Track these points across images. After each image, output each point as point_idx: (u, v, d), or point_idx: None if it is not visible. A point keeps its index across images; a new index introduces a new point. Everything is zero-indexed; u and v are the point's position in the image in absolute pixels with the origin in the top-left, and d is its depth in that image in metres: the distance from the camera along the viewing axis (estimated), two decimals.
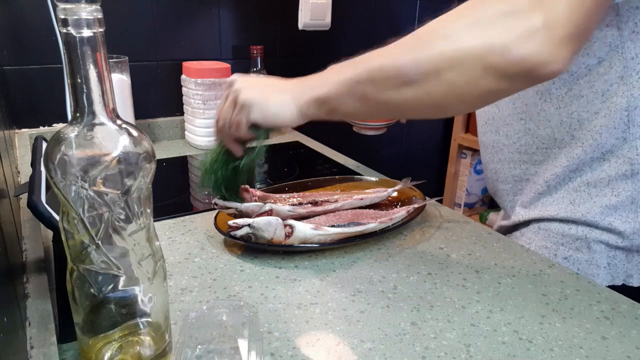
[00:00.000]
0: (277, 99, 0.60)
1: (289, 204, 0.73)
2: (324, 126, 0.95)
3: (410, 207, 0.75)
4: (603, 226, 0.67)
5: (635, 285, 0.68)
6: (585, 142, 0.66)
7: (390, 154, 1.68)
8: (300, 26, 1.28)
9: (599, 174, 0.67)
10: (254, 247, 0.66)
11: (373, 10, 1.45)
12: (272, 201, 0.73)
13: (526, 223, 0.76)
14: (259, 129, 0.61)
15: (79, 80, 0.32)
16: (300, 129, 1.35)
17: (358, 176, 0.91)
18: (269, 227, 0.63)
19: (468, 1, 0.49)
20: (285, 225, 0.64)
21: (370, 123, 0.90)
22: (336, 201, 0.76)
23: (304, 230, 0.64)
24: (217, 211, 0.71)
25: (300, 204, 0.74)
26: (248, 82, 0.62)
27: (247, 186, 0.74)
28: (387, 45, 0.53)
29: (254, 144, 0.65)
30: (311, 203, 0.75)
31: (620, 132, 0.64)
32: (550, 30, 0.43)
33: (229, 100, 0.62)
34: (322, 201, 0.76)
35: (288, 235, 0.64)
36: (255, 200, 0.72)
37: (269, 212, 0.68)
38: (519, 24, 0.44)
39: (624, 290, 0.59)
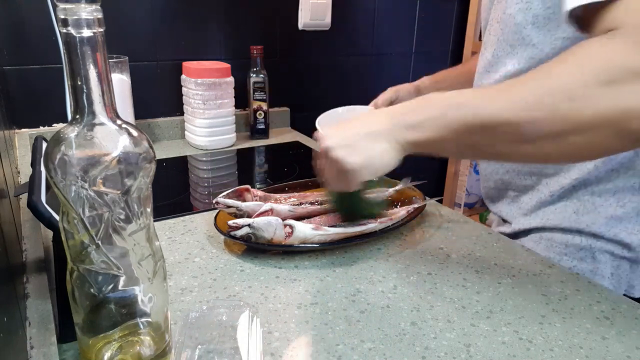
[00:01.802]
0: (379, 152, 0.54)
1: (289, 204, 0.73)
2: None
3: (410, 207, 0.75)
4: (608, 237, 0.66)
5: (637, 296, 0.67)
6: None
7: None
8: (300, 26, 1.28)
9: (605, 184, 0.66)
10: (254, 247, 0.66)
11: (373, 10, 1.45)
12: (272, 201, 0.73)
13: (526, 232, 0.75)
14: (370, 181, 0.61)
15: (79, 81, 0.32)
16: (300, 129, 1.35)
17: None
18: (269, 227, 0.63)
19: (582, 50, 0.44)
20: (285, 226, 0.64)
21: None
22: None
23: (304, 230, 0.64)
24: (217, 211, 0.71)
25: (300, 204, 0.74)
26: (341, 142, 0.55)
27: (247, 186, 0.74)
28: (499, 88, 0.49)
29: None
30: (311, 203, 0.75)
31: None
32: None
33: (331, 168, 0.57)
34: (322, 201, 0.76)
35: (288, 235, 0.64)
36: (256, 200, 0.72)
37: (269, 212, 0.68)
38: None
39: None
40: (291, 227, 0.64)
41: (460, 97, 0.50)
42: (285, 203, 0.74)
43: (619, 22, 0.44)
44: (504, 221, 0.81)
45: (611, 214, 0.66)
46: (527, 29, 0.64)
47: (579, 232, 0.68)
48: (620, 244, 0.66)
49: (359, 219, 0.69)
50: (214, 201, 0.70)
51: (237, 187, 0.73)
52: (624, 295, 0.67)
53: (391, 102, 0.89)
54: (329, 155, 0.56)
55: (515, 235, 0.77)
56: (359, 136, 0.55)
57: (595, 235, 0.67)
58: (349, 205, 0.69)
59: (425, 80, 0.93)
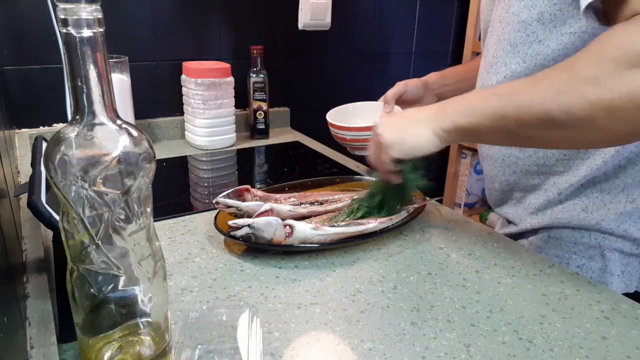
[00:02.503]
0: (414, 133, 0.62)
1: (289, 204, 0.73)
2: (324, 126, 0.95)
3: (410, 207, 0.75)
4: (618, 233, 0.66)
5: None
6: (607, 152, 0.65)
7: None
8: (300, 26, 1.28)
9: (614, 180, 0.66)
10: (254, 247, 0.66)
11: (373, 10, 1.45)
12: (272, 201, 0.74)
13: (534, 231, 0.75)
14: (403, 162, 0.65)
15: (79, 81, 0.32)
16: (300, 129, 1.35)
17: (358, 176, 0.91)
18: (269, 227, 0.63)
19: (606, 37, 0.47)
20: (285, 226, 0.64)
21: (364, 143, 0.91)
22: (337, 201, 0.76)
23: (304, 230, 0.64)
24: (217, 211, 0.71)
25: (300, 204, 0.74)
26: (388, 122, 0.65)
27: (247, 186, 0.74)
28: (530, 80, 0.52)
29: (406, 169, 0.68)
30: (311, 203, 0.75)
31: None
32: None
33: (375, 142, 0.66)
34: (322, 201, 0.76)
35: (288, 235, 0.64)
36: (257, 200, 0.72)
37: (269, 212, 0.68)
38: None
39: (637, 297, 0.59)
40: (291, 227, 0.64)
41: (497, 89, 0.56)
42: (285, 203, 0.74)
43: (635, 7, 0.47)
44: (509, 222, 0.81)
45: (621, 210, 0.66)
46: (533, 25, 0.64)
47: (588, 229, 0.69)
48: (630, 239, 0.66)
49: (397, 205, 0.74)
50: (214, 201, 0.70)
51: (237, 187, 0.73)
52: (635, 292, 0.67)
53: (400, 96, 0.89)
54: (375, 132, 0.66)
55: (522, 235, 0.77)
56: (405, 120, 0.64)
57: (604, 232, 0.67)
58: (392, 191, 0.72)
59: (432, 76, 0.93)
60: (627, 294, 0.61)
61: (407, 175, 0.69)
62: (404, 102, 0.90)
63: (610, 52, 0.45)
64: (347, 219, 0.71)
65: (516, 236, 0.78)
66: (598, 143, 0.55)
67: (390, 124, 0.65)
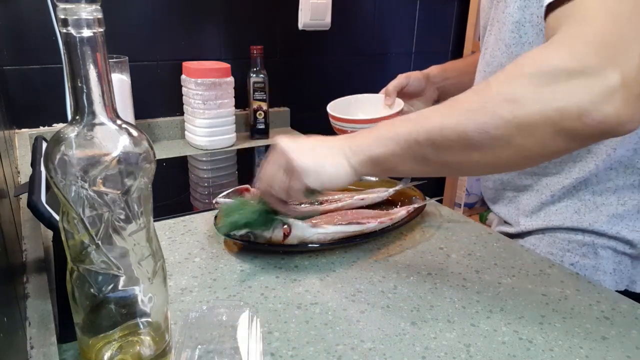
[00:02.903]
0: (332, 163, 0.56)
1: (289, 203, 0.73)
2: (324, 126, 0.95)
3: (410, 207, 0.75)
4: (610, 234, 0.67)
5: (638, 291, 0.68)
6: (599, 156, 0.65)
7: None
8: (300, 26, 1.28)
9: (605, 183, 0.66)
10: (254, 247, 0.66)
11: (373, 10, 1.45)
12: None
13: (529, 232, 0.75)
14: (312, 192, 0.59)
15: (79, 81, 0.32)
16: (300, 129, 1.35)
17: None
18: None
19: (523, 57, 0.46)
20: (283, 224, 0.64)
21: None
22: (337, 201, 0.76)
23: (302, 228, 0.64)
24: (217, 211, 0.71)
25: (300, 203, 0.74)
26: (296, 146, 0.58)
27: (247, 186, 0.74)
28: (444, 104, 0.51)
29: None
30: (311, 203, 0.75)
31: (632, 144, 0.63)
32: (628, 89, 0.41)
33: (277, 165, 0.58)
34: (323, 200, 0.76)
35: (286, 234, 0.64)
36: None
37: None
38: (595, 84, 0.41)
39: (627, 295, 0.59)
40: (289, 225, 0.64)
41: (409, 116, 0.54)
42: None
43: (557, 26, 0.47)
44: (505, 222, 0.81)
45: (612, 212, 0.66)
46: (525, 27, 0.65)
47: (582, 230, 0.69)
48: (622, 240, 0.67)
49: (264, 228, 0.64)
50: (214, 201, 0.70)
51: (237, 187, 0.73)
52: (626, 290, 0.67)
53: (402, 89, 0.89)
54: (281, 153, 0.58)
55: (518, 235, 0.77)
56: (318, 147, 0.58)
57: (597, 233, 0.68)
58: (256, 221, 0.63)
59: (433, 69, 0.93)
60: (617, 292, 0.61)
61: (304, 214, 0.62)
62: (405, 94, 0.89)
63: (525, 69, 0.45)
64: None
65: (512, 236, 0.79)
66: (511, 164, 0.52)
67: (302, 148, 0.58)
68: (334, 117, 0.89)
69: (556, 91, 0.42)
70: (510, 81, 0.46)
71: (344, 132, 0.89)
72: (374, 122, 0.81)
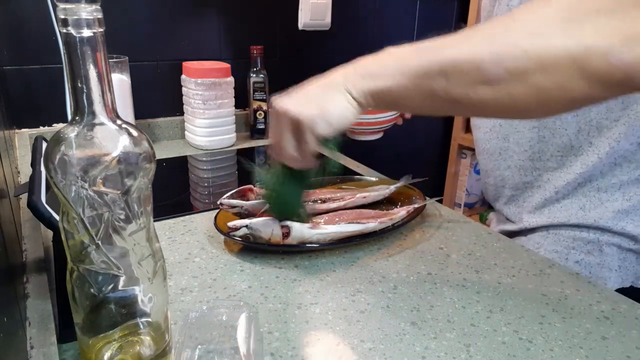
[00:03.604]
0: (335, 103, 0.51)
1: None
2: None
3: (410, 207, 0.75)
4: (616, 230, 0.67)
5: None
6: (602, 149, 0.65)
7: (390, 154, 1.68)
8: (300, 26, 1.28)
9: (610, 179, 0.66)
10: (254, 247, 0.66)
11: (373, 10, 1.45)
12: None
13: (533, 229, 0.75)
14: (327, 140, 0.54)
15: (79, 81, 0.32)
16: None
17: (358, 176, 0.91)
18: (266, 227, 0.63)
19: None
20: (282, 226, 0.64)
21: (367, 127, 0.89)
22: (340, 199, 0.76)
23: (302, 229, 0.64)
24: (217, 211, 0.72)
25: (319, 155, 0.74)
26: (293, 100, 0.53)
27: (250, 186, 0.74)
28: (461, 33, 0.46)
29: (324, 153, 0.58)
30: (313, 201, 0.75)
31: (636, 137, 0.63)
32: None
33: (282, 125, 0.53)
34: (325, 199, 0.76)
35: (286, 235, 0.64)
36: (260, 199, 0.72)
37: None
38: (625, 25, 0.38)
39: (632, 292, 0.59)
40: (288, 226, 0.64)
41: (421, 44, 0.48)
42: None
43: None
44: (507, 219, 0.81)
45: (617, 208, 0.67)
46: None
47: (587, 227, 0.69)
48: (627, 236, 0.67)
49: (285, 214, 0.64)
50: (218, 202, 0.70)
51: (240, 188, 0.73)
52: (631, 287, 0.67)
53: None
54: (281, 113, 0.53)
55: (521, 232, 0.77)
56: (312, 89, 0.53)
57: (602, 229, 0.68)
58: (284, 195, 0.62)
59: None
60: (622, 289, 0.62)
61: (332, 150, 0.58)
62: None
63: (552, 3, 0.42)
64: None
65: (514, 233, 0.79)
66: (525, 106, 0.47)
67: (300, 99, 0.53)
68: None
69: (584, 27, 0.39)
70: (535, 13, 0.42)
71: None
72: (374, 113, 0.82)
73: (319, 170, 0.60)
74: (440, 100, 0.47)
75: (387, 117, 0.92)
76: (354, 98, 0.51)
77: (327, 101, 0.51)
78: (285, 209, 0.64)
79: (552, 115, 0.60)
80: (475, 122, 0.81)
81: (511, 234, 0.79)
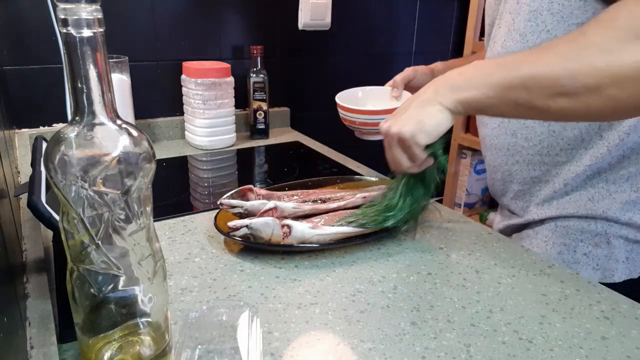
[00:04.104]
0: (430, 116, 0.59)
1: (293, 202, 0.73)
2: (324, 126, 0.95)
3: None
4: (623, 221, 0.68)
5: None
6: (612, 142, 0.66)
7: None
8: (300, 26, 1.28)
9: (618, 170, 0.67)
10: (254, 247, 0.66)
11: (373, 10, 1.45)
12: (276, 199, 0.74)
13: (540, 221, 0.76)
14: (431, 145, 0.63)
15: (79, 81, 0.32)
16: (300, 129, 1.36)
17: (358, 176, 0.91)
18: (267, 227, 0.63)
19: (617, 9, 0.48)
20: (282, 226, 0.64)
21: (372, 127, 0.90)
22: (340, 199, 0.76)
23: (302, 229, 0.64)
24: (217, 211, 0.72)
25: (304, 201, 0.74)
26: (394, 121, 0.62)
27: (250, 186, 0.74)
28: (537, 49, 0.53)
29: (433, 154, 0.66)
30: (314, 201, 0.75)
31: None
32: None
33: (392, 144, 0.63)
34: (326, 199, 0.76)
35: (286, 235, 0.64)
36: (260, 199, 0.72)
37: (274, 210, 0.68)
38: None
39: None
40: (289, 227, 0.64)
41: (502, 59, 0.56)
42: (288, 201, 0.74)
43: None
44: (512, 213, 0.81)
45: (626, 199, 0.67)
46: (543, 15, 0.65)
47: (594, 218, 0.70)
48: (635, 227, 0.68)
49: (429, 192, 0.70)
50: (218, 202, 0.70)
51: (240, 188, 0.73)
52: (639, 277, 0.68)
53: (409, 82, 0.89)
54: (388, 135, 0.63)
55: (528, 225, 0.77)
56: (410, 109, 0.61)
57: (610, 220, 0.69)
58: (418, 180, 0.69)
59: (438, 65, 0.94)
60: (631, 280, 0.62)
61: (439, 153, 0.66)
62: (411, 87, 0.90)
63: (620, 21, 0.46)
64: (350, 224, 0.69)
65: (520, 227, 0.79)
66: (602, 114, 0.53)
67: (397, 121, 0.62)
68: (343, 108, 0.89)
69: None
70: (605, 32, 0.47)
71: (352, 122, 0.89)
72: (382, 113, 0.82)
73: (433, 168, 0.68)
74: (523, 108, 0.53)
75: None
76: (445, 108, 0.58)
77: (422, 115, 0.60)
78: (417, 205, 0.71)
79: (629, 118, 0.66)
80: (482, 119, 0.81)
81: (518, 228, 0.79)
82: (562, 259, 0.72)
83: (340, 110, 0.89)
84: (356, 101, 0.93)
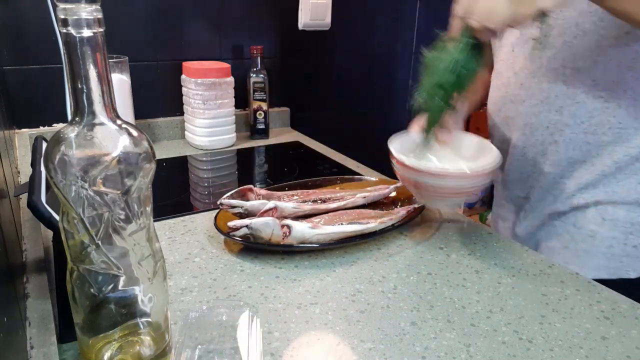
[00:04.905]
0: None
1: (293, 201, 0.73)
2: (324, 126, 0.95)
3: (410, 207, 0.75)
4: None
5: None
6: None
7: None
8: (300, 26, 1.28)
9: None
10: (254, 247, 0.66)
11: (373, 10, 1.45)
12: (276, 199, 0.74)
13: (582, 210, 0.72)
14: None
15: (79, 81, 0.32)
16: (300, 129, 1.35)
17: (358, 176, 0.91)
18: (267, 227, 0.63)
19: None
20: (282, 226, 0.64)
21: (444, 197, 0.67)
22: (340, 199, 0.76)
23: (302, 229, 0.64)
24: (217, 211, 0.72)
25: (304, 201, 0.74)
26: None
27: (250, 186, 0.74)
28: None
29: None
30: (314, 201, 0.75)
31: None
32: None
33: None
34: (326, 199, 0.76)
35: (286, 235, 0.64)
36: (260, 199, 0.72)
37: (274, 210, 0.68)
38: None
39: None
40: (289, 227, 0.64)
41: None
42: (288, 201, 0.74)
43: None
44: (519, 211, 0.80)
45: None
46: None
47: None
48: None
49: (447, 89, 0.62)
50: (218, 202, 0.70)
51: (240, 188, 0.74)
52: None
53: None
54: None
55: (563, 214, 0.75)
56: None
57: None
58: (460, 66, 0.61)
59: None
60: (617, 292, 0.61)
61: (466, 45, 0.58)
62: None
63: None
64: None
65: (560, 214, 0.75)
66: None
67: None
68: (402, 164, 0.63)
69: None
70: None
71: (410, 182, 0.65)
72: (459, 177, 0.62)
73: (481, 59, 0.60)
74: None
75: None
76: None
77: None
78: (453, 81, 0.62)
79: None
80: (520, 95, 0.74)
81: (557, 215, 0.75)
82: (611, 253, 0.70)
83: (395, 165, 0.65)
84: (416, 150, 0.68)
